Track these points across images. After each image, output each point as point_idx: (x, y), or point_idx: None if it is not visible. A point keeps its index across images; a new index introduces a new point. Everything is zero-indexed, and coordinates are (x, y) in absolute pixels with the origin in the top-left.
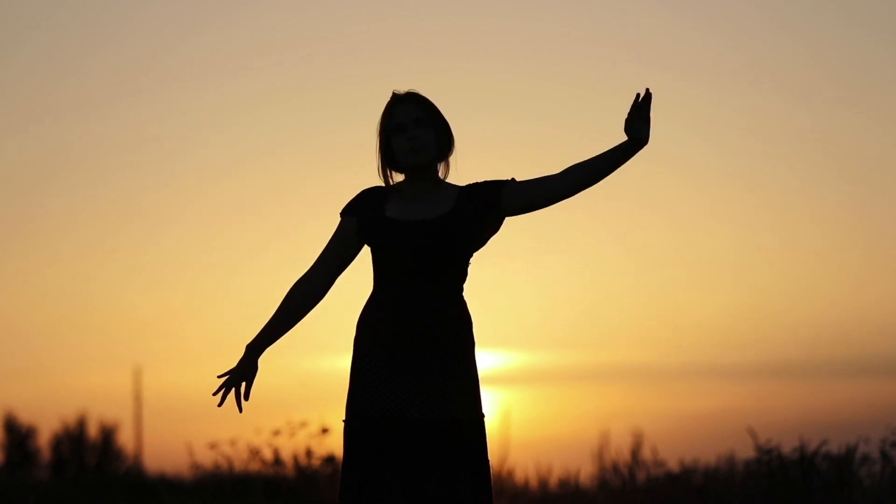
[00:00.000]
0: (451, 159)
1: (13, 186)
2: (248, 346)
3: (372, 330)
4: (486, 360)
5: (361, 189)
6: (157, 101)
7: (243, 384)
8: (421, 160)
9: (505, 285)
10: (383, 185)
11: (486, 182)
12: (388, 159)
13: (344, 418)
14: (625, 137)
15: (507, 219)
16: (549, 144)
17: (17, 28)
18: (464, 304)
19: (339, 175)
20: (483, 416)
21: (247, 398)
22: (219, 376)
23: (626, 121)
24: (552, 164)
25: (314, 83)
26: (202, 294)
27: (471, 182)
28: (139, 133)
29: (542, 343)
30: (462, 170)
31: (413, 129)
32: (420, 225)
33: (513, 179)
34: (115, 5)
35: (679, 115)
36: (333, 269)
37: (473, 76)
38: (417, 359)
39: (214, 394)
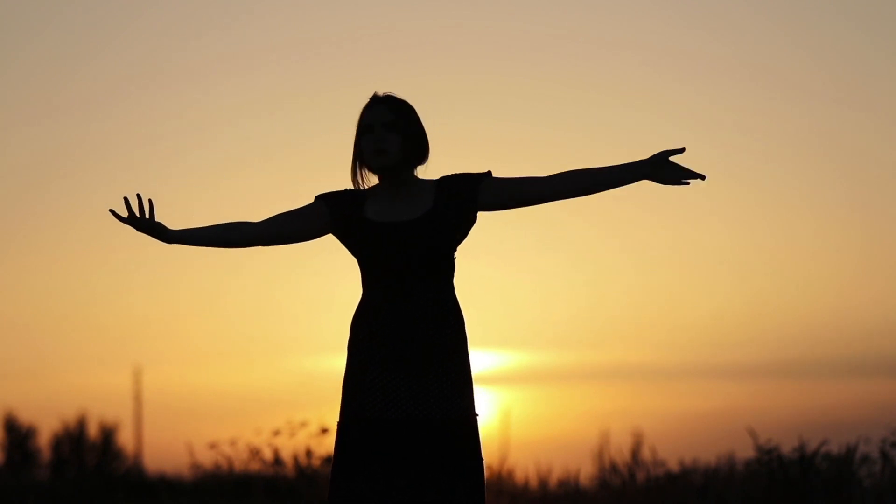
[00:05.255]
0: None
1: (13, 186)
2: (168, 231)
3: (364, 332)
4: (487, 360)
5: (345, 188)
6: (158, 101)
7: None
8: (385, 163)
9: (504, 285)
10: (355, 187)
11: (462, 175)
12: (361, 159)
13: (339, 420)
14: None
15: (506, 220)
16: (548, 144)
17: (18, 28)
18: (455, 300)
19: (339, 175)
20: (476, 415)
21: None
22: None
23: (666, 162)
24: (551, 164)
25: (314, 83)
26: (202, 294)
27: (444, 175)
28: (140, 133)
29: (542, 343)
30: (463, 170)
31: (380, 132)
32: (404, 226)
33: (489, 173)
34: (117, 6)
35: (678, 114)
36: (276, 229)
37: (472, 76)
38: (411, 359)
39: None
